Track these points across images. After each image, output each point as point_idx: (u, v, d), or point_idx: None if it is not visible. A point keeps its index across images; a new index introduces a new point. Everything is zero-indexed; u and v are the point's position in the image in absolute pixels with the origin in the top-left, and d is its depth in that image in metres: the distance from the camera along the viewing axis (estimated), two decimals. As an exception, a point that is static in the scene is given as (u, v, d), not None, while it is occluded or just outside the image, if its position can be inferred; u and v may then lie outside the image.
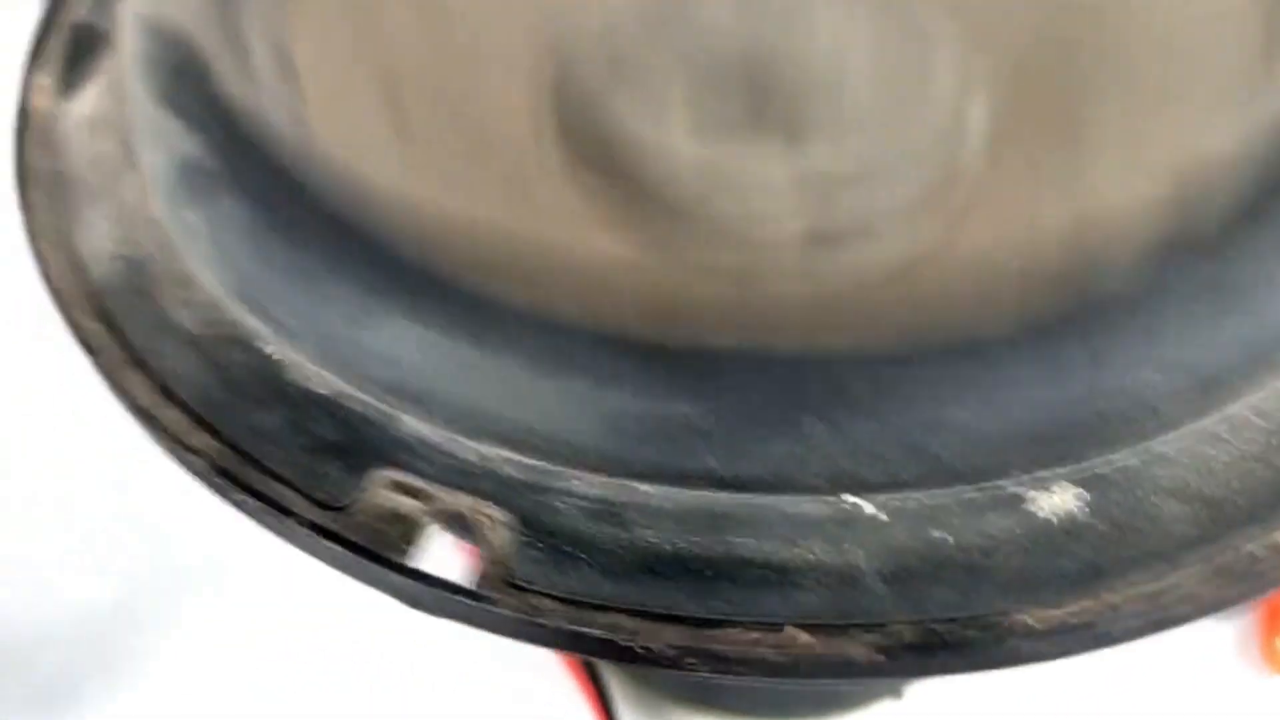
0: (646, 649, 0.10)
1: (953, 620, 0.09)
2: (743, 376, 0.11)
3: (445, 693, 0.29)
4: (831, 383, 0.11)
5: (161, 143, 0.14)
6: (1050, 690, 0.28)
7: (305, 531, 0.11)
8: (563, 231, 0.11)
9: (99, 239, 0.14)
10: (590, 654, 0.12)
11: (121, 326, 0.13)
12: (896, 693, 0.25)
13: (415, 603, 0.11)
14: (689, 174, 0.11)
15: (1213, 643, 0.30)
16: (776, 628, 0.10)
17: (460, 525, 0.10)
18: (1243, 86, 0.11)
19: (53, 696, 0.30)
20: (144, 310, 0.13)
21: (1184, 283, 0.11)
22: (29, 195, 0.15)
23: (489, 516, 0.10)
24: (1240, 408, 0.11)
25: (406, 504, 0.11)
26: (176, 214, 0.14)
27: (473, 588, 0.10)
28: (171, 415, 0.12)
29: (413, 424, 0.11)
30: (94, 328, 0.13)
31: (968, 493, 0.10)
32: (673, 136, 0.12)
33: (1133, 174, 0.11)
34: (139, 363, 0.13)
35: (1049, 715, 0.28)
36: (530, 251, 0.11)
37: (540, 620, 0.10)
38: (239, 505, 0.11)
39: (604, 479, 0.11)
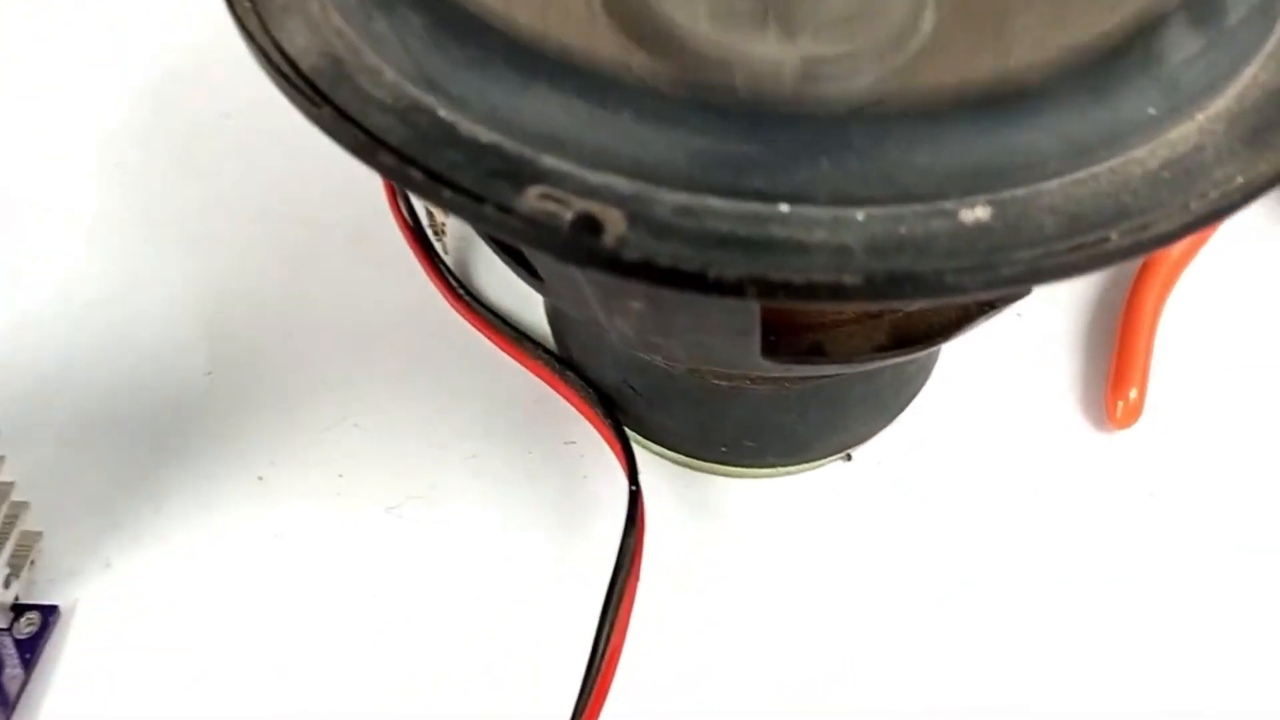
0: (718, 277, 0.15)
1: (908, 272, 0.15)
2: (781, 132, 0.17)
3: None
4: (838, 137, 0.17)
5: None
6: (929, 423, 0.30)
7: (493, 211, 0.16)
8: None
9: (301, 43, 0.19)
10: (680, 286, 0.15)
11: (333, 98, 0.17)
12: (847, 456, 0.30)
13: (565, 255, 0.16)
14: (707, 49, 0.17)
15: (1058, 396, 0.31)
16: (801, 270, 0.15)
17: (588, 219, 0.16)
18: None
19: None
20: (348, 90, 0.18)
21: (1067, 90, 0.17)
22: (237, 10, 0.19)
23: (609, 213, 0.16)
24: (1100, 168, 0.17)
25: (553, 205, 0.16)
26: (364, 24, 0.18)
27: (611, 244, 0.15)
28: (386, 155, 0.16)
29: (553, 160, 0.16)
30: (314, 97, 0.17)
31: (920, 207, 0.16)
32: (696, 22, 0.18)
33: (1037, 43, 0.18)
34: (352, 121, 0.17)
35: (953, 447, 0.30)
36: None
37: (651, 258, 0.15)
38: (448, 201, 0.16)
39: (686, 194, 0.16)
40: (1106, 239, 0.16)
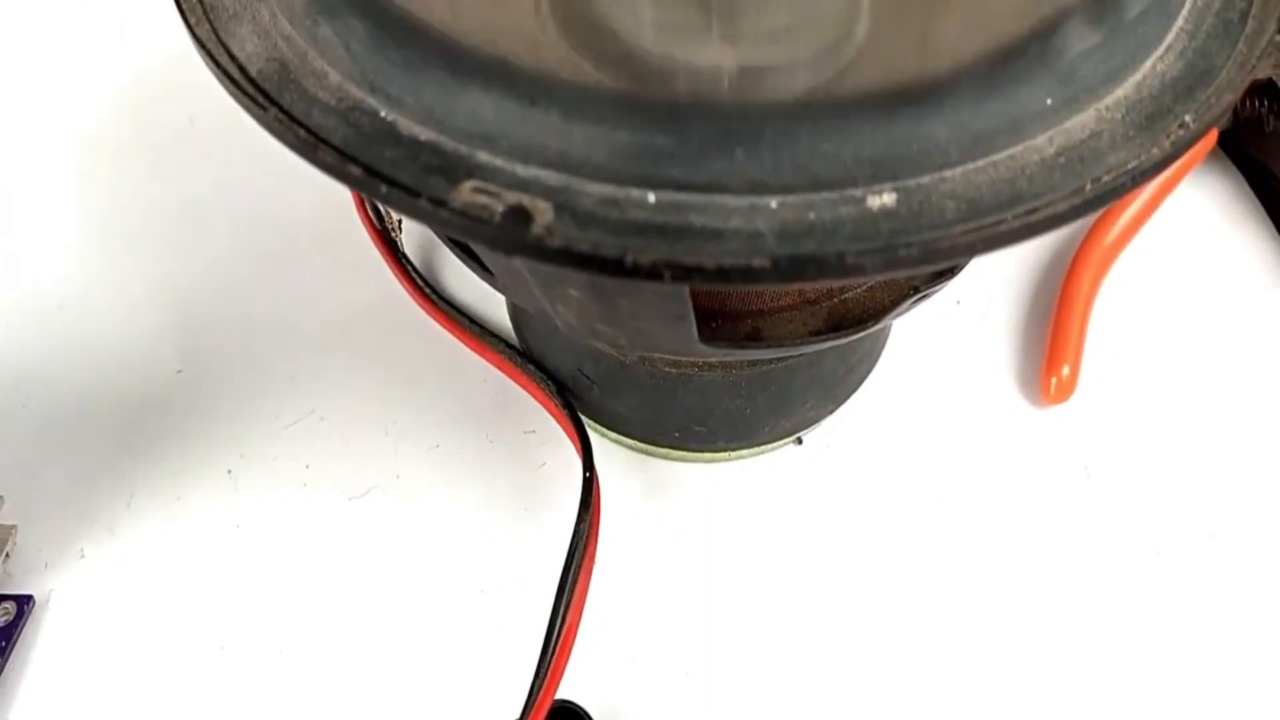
0: (635, 262, 0.16)
1: (811, 254, 0.16)
2: (699, 125, 0.17)
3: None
4: (752, 131, 0.17)
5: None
6: (876, 410, 0.32)
7: (428, 205, 0.16)
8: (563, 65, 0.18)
9: (250, 48, 0.19)
10: (601, 270, 0.16)
11: (280, 101, 0.18)
12: (798, 440, 0.31)
13: (495, 244, 0.16)
14: (651, 42, 0.18)
15: (997, 376, 0.33)
16: (712, 255, 0.16)
17: (518, 211, 0.16)
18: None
19: None
20: (294, 92, 0.18)
21: (969, 84, 0.18)
22: (188, 18, 0.20)
23: (537, 205, 0.16)
24: (1000, 155, 0.18)
25: (485, 198, 0.16)
26: (310, 30, 0.19)
27: (537, 233, 0.16)
28: (327, 152, 0.17)
29: (486, 156, 0.17)
30: (261, 99, 0.18)
31: (829, 194, 0.17)
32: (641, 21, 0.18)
33: (960, 35, 0.19)
34: (297, 121, 0.18)
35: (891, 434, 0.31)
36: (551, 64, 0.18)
37: (573, 245, 0.16)
38: (385, 196, 0.17)
39: (612, 186, 0.17)
40: (1001, 221, 0.17)
